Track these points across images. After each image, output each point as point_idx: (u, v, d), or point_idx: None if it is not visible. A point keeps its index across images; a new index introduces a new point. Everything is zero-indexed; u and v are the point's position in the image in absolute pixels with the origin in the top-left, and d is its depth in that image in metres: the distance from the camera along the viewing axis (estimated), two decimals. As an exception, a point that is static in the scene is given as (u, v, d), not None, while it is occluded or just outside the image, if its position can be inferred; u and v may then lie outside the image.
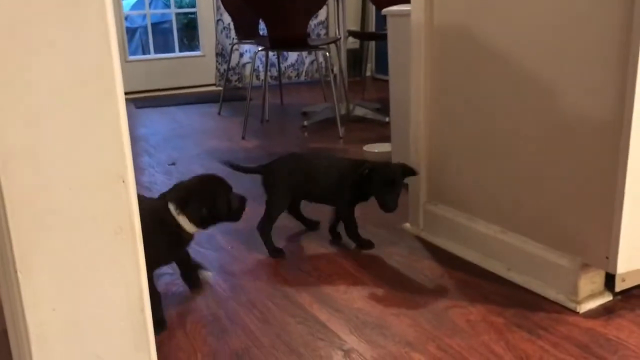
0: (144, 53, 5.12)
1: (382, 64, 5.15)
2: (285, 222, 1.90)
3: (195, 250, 1.70)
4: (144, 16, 4.88)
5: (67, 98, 0.65)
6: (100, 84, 0.65)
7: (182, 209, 1.30)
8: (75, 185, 0.67)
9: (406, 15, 2.02)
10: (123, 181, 0.69)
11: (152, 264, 1.17)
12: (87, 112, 0.66)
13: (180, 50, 4.89)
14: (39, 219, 0.66)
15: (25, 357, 0.69)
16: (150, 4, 4.85)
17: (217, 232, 1.83)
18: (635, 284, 1.38)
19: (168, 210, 1.30)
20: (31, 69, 0.63)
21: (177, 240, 1.34)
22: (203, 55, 4.87)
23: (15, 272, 0.66)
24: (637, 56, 1.12)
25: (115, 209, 0.70)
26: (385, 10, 2.17)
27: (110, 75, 0.65)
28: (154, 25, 4.89)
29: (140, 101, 4.27)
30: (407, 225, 1.83)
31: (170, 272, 1.56)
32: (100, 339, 0.72)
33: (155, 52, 4.79)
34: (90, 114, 0.66)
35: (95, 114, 0.66)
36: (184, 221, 1.30)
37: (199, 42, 4.90)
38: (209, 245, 1.74)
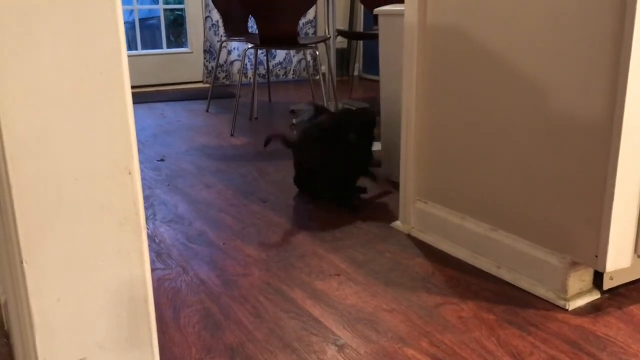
0: (130, 49, 5.08)
1: (369, 63, 5.17)
2: (275, 218, 1.91)
3: (186, 246, 1.70)
4: (131, 11, 4.84)
5: (76, 89, 0.65)
6: (109, 75, 0.65)
7: None
8: (81, 175, 0.67)
9: (398, 15, 2.04)
10: (129, 172, 0.69)
11: None
12: (96, 102, 0.66)
13: (168, 47, 4.87)
14: (45, 209, 0.66)
15: (29, 347, 0.69)
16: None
17: (209, 228, 1.83)
18: (623, 282, 1.41)
19: None
20: (40, 59, 0.63)
21: None
22: (191, 52, 4.86)
23: (21, 262, 0.66)
24: (629, 57, 1.14)
25: (121, 199, 0.70)
26: (377, 10, 2.19)
27: (119, 66, 0.65)
28: (140, 21, 4.86)
29: (127, 97, 4.24)
30: (398, 223, 1.84)
31: (162, 267, 1.56)
32: (103, 329, 0.72)
33: (142, 48, 4.76)
34: (99, 104, 0.66)
35: (103, 105, 0.66)
36: None
37: (186, 39, 4.88)
38: (200, 241, 1.74)
